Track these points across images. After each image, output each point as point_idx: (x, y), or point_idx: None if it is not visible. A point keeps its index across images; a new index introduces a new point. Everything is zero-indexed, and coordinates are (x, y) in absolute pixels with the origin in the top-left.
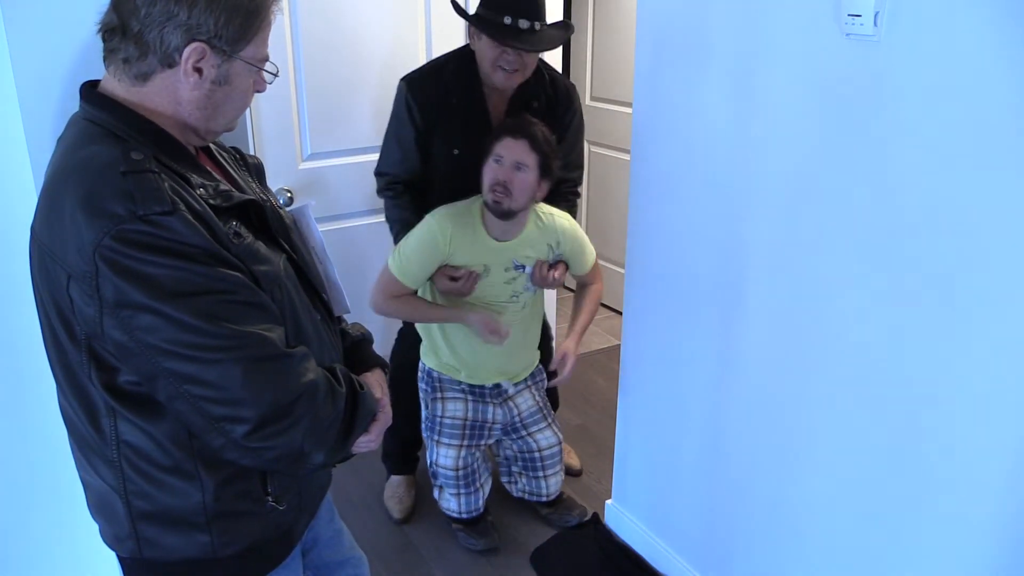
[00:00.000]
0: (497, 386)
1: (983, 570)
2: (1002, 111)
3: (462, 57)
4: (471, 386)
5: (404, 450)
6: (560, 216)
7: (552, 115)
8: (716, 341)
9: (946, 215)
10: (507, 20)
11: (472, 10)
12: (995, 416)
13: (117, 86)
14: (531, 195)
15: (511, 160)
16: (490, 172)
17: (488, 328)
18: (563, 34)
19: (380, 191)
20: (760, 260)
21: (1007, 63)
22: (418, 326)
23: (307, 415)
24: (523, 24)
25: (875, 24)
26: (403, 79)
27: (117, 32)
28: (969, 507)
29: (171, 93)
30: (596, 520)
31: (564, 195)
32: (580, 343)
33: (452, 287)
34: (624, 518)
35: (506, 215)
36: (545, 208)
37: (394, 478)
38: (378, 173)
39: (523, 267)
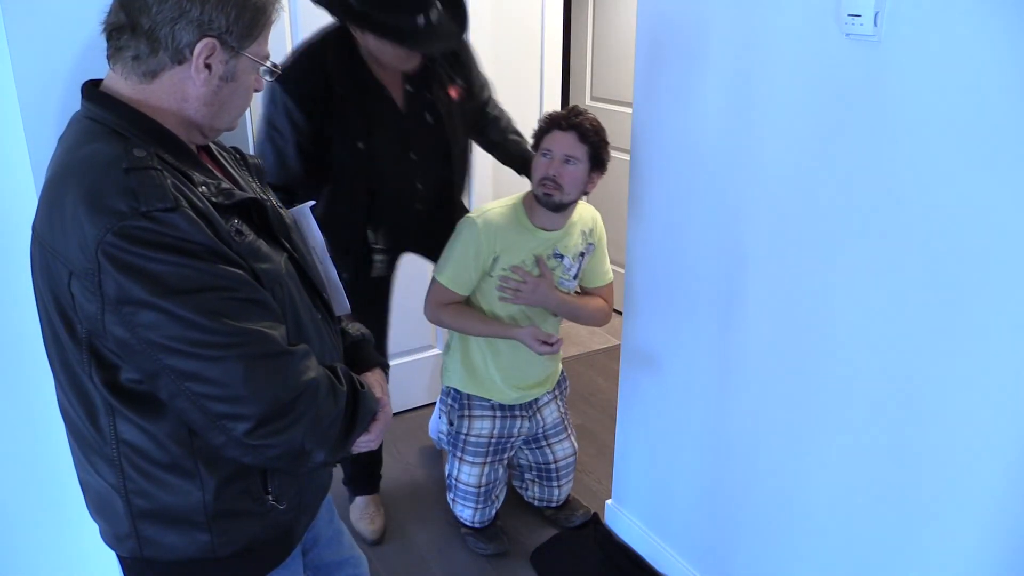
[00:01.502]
0: (531, 401)
1: (983, 572)
2: (1002, 111)
3: (338, 39)
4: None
5: (367, 470)
6: (591, 207)
7: (457, 68)
8: (716, 341)
9: (946, 215)
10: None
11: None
12: (997, 418)
13: (123, 84)
14: (582, 187)
15: (560, 154)
16: (540, 166)
17: (537, 338)
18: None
19: None
20: (760, 260)
21: (1007, 63)
22: (456, 351)
23: (308, 413)
24: (420, 21)
25: (875, 24)
26: (275, 80)
27: (125, 30)
28: (970, 510)
29: (178, 90)
30: (596, 520)
31: (503, 132)
32: (561, 300)
33: (548, 351)
34: (624, 518)
35: (558, 208)
36: None
37: (359, 499)
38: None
39: (561, 256)
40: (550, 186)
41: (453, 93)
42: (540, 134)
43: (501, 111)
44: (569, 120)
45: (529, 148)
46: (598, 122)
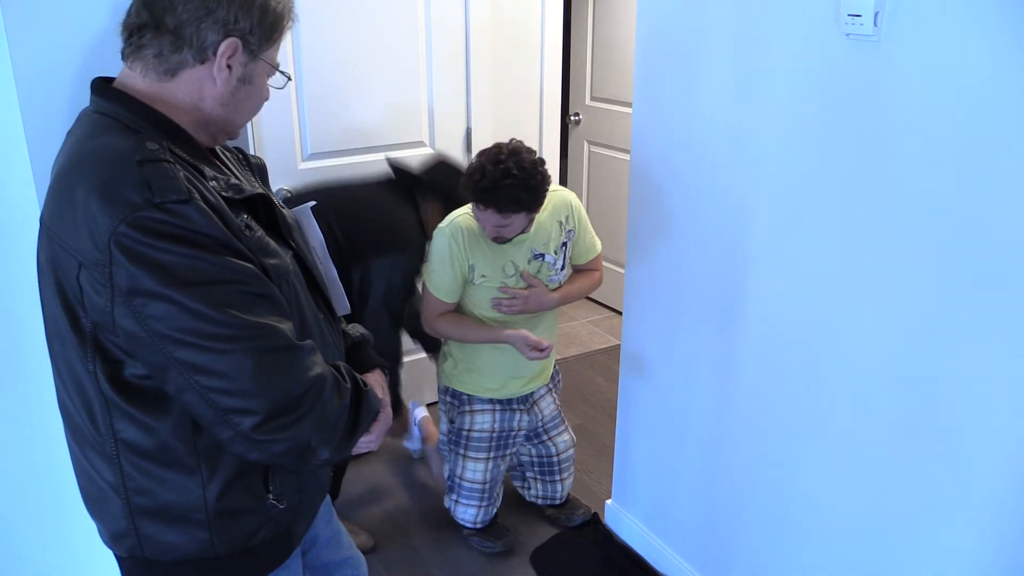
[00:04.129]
0: (527, 394)
1: (982, 573)
2: (1002, 111)
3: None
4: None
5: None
6: (564, 190)
7: None
8: (716, 341)
9: (946, 215)
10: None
11: None
12: (997, 422)
13: (139, 81)
14: (527, 224)
15: (491, 224)
16: (481, 223)
17: (527, 344)
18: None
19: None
20: (760, 260)
21: (1007, 63)
22: (453, 357)
23: (315, 408)
24: None
25: (875, 24)
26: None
27: (149, 28)
28: (970, 512)
29: (196, 88)
30: (596, 520)
31: None
32: (558, 299)
33: (538, 357)
34: (624, 518)
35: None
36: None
37: None
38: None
39: (542, 255)
40: (497, 239)
41: None
42: (475, 197)
43: None
44: (486, 197)
45: None
46: (521, 171)
